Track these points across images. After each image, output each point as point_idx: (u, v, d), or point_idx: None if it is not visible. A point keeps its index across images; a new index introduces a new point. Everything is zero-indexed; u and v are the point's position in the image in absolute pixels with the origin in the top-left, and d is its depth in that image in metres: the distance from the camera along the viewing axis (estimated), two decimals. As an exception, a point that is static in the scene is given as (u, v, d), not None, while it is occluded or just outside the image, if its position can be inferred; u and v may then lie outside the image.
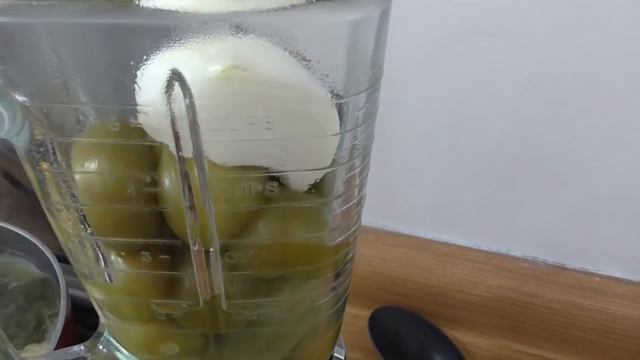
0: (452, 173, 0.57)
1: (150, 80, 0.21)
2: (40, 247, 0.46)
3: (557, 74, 0.49)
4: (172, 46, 0.21)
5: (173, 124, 0.21)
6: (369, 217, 0.62)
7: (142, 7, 0.19)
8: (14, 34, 0.19)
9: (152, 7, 0.19)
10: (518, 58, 0.49)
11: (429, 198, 0.59)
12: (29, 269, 0.49)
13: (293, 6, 0.19)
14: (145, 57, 0.21)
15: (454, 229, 0.60)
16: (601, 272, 0.57)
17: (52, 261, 0.45)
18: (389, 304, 0.62)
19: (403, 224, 0.61)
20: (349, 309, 0.63)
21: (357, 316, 0.62)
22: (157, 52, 0.20)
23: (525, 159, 0.54)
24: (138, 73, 0.21)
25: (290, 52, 0.21)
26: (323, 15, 0.19)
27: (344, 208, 0.25)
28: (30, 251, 0.48)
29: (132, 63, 0.20)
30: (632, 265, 0.56)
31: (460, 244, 0.60)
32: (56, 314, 0.44)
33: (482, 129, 0.54)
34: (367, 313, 0.62)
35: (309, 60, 0.21)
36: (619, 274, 0.57)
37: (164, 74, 0.21)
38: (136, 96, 0.21)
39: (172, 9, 0.19)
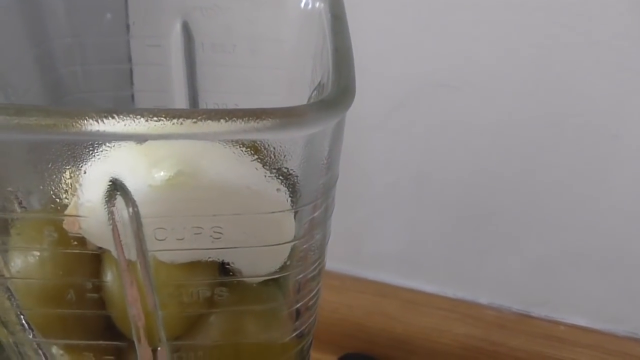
0: (417, 221, 0.57)
1: (91, 181, 0.20)
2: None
3: (521, 127, 0.49)
4: (114, 147, 0.20)
5: (115, 233, 0.20)
6: (335, 263, 0.61)
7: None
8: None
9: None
10: (482, 110, 0.49)
11: (395, 245, 0.59)
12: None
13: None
14: (85, 157, 0.20)
15: (420, 275, 0.59)
16: (566, 321, 0.57)
17: None
18: (356, 349, 0.61)
19: (369, 270, 0.60)
20: (315, 354, 0.62)
21: (322, 362, 0.61)
22: (99, 151, 0.19)
23: (490, 208, 0.54)
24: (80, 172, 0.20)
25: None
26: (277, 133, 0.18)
27: (299, 305, 0.24)
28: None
29: (68, 167, 0.19)
30: (596, 314, 0.56)
31: (427, 290, 0.60)
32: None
33: (447, 178, 0.53)
34: (333, 358, 0.61)
35: (264, 165, 0.20)
36: (582, 323, 0.57)
37: (104, 177, 0.20)
38: (79, 194, 0.20)
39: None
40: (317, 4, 0.27)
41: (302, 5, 0.28)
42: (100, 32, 0.29)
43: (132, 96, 0.32)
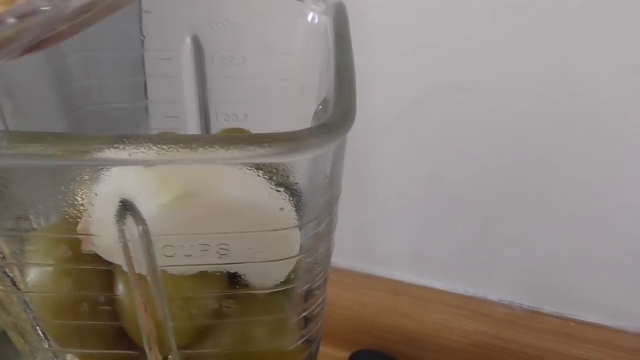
0: (429, 219, 0.57)
1: (102, 201, 0.21)
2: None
3: (531, 128, 0.49)
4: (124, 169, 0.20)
5: (125, 250, 0.21)
6: (348, 261, 0.62)
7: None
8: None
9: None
10: (492, 112, 0.49)
11: (406, 243, 0.59)
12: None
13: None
14: (96, 178, 0.20)
15: (432, 272, 0.60)
16: (576, 317, 0.57)
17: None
18: (368, 346, 0.62)
19: (381, 268, 0.61)
20: (328, 350, 0.63)
21: (335, 357, 0.62)
22: (109, 173, 0.20)
23: (501, 207, 0.54)
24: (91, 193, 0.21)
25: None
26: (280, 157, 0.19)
27: (306, 313, 0.25)
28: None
29: (80, 189, 0.20)
30: (606, 310, 0.57)
31: (438, 287, 0.60)
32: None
33: (458, 178, 0.54)
34: (345, 354, 0.62)
35: (269, 183, 0.21)
36: (593, 319, 0.57)
37: (114, 198, 0.20)
38: (91, 214, 0.21)
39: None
40: (323, 19, 0.28)
41: (309, 19, 0.29)
42: (115, 46, 0.30)
43: (147, 107, 0.32)
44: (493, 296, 0.59)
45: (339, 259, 0.60)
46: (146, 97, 0.32)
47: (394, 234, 0.59)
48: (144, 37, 0.31)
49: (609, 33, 0.43)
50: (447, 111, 0.50)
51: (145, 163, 0.18)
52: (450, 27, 0.47)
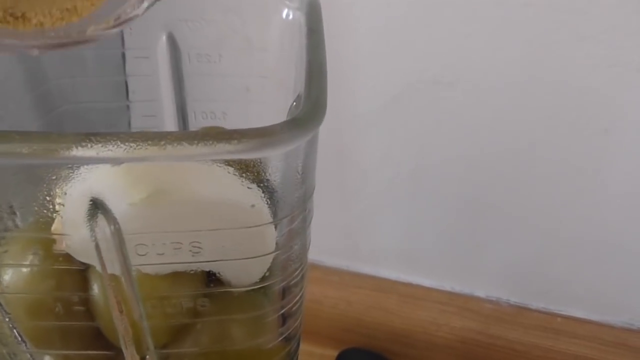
0: (415, 216, 0.57)
1: (73, 201, 0.21)
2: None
3: (514, 122, 0.49)
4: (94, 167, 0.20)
5: (98, 250, 0.21)
6: (334, 259, 0.61)
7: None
8: None
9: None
10: (475, 106, 0.49)
11: (392, 240, 0.59)
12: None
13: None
14: (66, 178, 0.20)
15: (418, 269, 0.60)
16: (563, 313, 0.57)
17: None
18: (355, 344, 0.62)
19: (368, 266, 0.61)
20: (315, 349, 0.63)
21: (323, 356, 0.62)
22: (79, 172, 0.20)
23: (485, 202, 0.54)
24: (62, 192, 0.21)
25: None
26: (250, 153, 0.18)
27: (284, 311, 0.25)
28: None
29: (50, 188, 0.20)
30: (593, 305, 0.57)
31: (424, 284, 0.60)
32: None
33: (443, 173, 0.54)
34: (333, 353, 0.62)
35: (240, 179, 0.21)
36: (580, 314, 0.57)
37: (85, 197, 0.20)
38: (62, 213, 0.21)
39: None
40: (297, 15, 0.28)
41: (284, 15, 0.29)
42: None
43: (127, 107, 0.32)
44: (480, 292, 0.59)
45: (324, 257, 0.60)
46: (127, 97, 0.32)
47: (379, 231, 0.58)
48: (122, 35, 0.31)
49: (590, 27, 0.43)
50: (431, 106, 0.50)
51: (114, 161, 0.18)
52: (433, 22, 0.47)
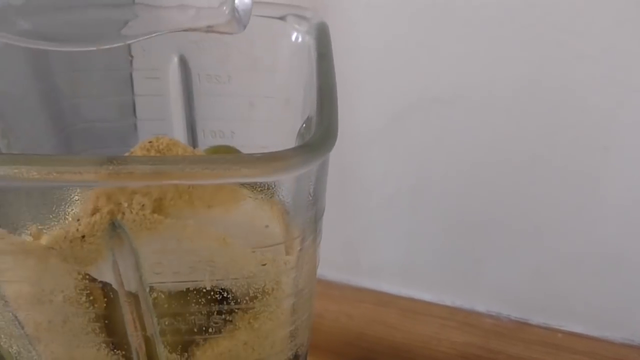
0: (415, 231, 0.58)
1: (91, 220, 0.21)
2: None
3: (514, 140, 0.50)
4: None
5: (115, 268, 0.21)
6: (335, 273, 0.62)
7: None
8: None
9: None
10: (476, 124, 0.50)
11: (393, 254, 0.60)
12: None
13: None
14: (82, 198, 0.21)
15: (419, 284, 0.60)
16: (563, 328, 0.58)
17: None
18: (356, 358, 0.62)
19: (369, 280, 0.62)
20: (316, 363, 0.63)
21: (324, 370, 0.62)
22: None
23: (485, 217, 0.55)
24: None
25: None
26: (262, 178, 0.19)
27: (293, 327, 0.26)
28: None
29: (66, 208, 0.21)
30: (593, 321, 0.57)
31: (425, 299, 0.61)
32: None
33: (444, 189, 0.54)
34: (334, 366, 0.62)
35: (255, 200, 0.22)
36: (580, 330, 0.58)
37: (103, 216, 0.21)
38: (82, 231, 0.22)
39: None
40: (307, 38, 0.29)
41: (293, 39, 0.30)
42: (104, 66, 0.31)
43: (135, 125, 0.33)
44: (480, 307, 0.59)
45: (325, 272, 0.60)
46: (135, 115, 0.32)
47: (380, 246, 0.59)
48: (132, 57, 0.32)
49: (589, 46, 0.44)
50: (431, 124, 0.50)
51: (134, 184, 0.19)
52: (433, 41, 0.48)
